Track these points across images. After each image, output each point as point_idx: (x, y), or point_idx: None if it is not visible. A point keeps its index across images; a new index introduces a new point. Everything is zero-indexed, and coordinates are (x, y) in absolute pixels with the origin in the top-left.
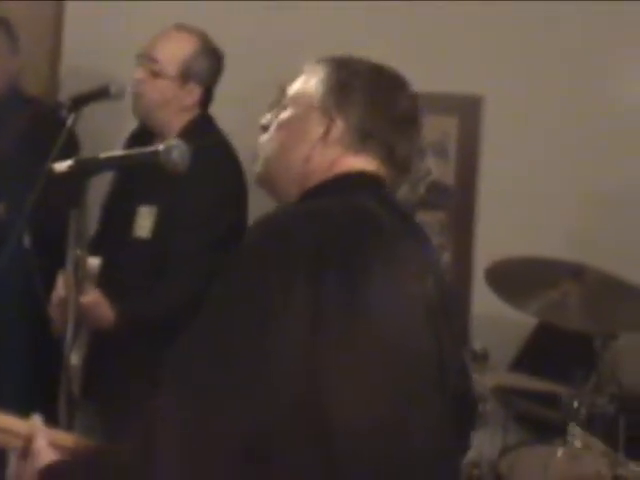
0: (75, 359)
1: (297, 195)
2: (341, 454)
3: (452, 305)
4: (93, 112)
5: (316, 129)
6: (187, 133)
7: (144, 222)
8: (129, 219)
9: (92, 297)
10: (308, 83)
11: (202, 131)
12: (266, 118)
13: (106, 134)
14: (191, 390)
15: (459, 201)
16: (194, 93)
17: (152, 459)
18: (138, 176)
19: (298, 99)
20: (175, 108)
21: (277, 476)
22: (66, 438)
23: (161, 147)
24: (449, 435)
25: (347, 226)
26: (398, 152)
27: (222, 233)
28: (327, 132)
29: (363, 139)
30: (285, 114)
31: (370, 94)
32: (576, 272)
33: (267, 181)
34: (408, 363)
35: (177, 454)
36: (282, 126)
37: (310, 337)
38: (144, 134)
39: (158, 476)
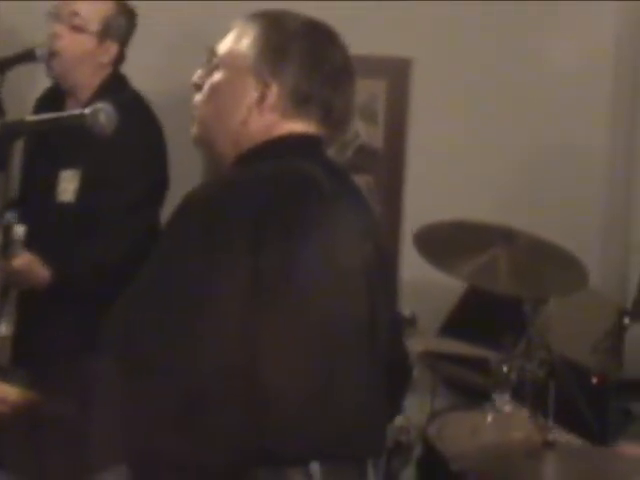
0: (4, 329)
1: (234, 157)
2: (272, 415)
3: (389, 270)
4: (18, 75)
5: (251, 94)
6: (102, 91)
7: (68, 186)
8: (51, 184)
9: (24, 259)
10: (239, 43)
11: (117, 89)
12: (198, 75)
13: (31, 97)
14: (130, 347)
15: (387, 165)
16: (111, 50)
17: (91, 414)
18: (57, 140)
19: (230, 61)
20: (93, 65)
21: (210, 434)
22: (6, 390)
23: (87, 110)
24: (378, 400)
25: (288, 191)
26: (335, 110)
27: (146, 190)
28: (262, 98)
29: (300, 102)
30: (218, 76)
31: (305, 54)
32: (505, 236)
33: (204, 143)
34: (342, 329)
35: (115, 409)
36: (216, 90)
37: (247, 301)
38: (55, 96)
39: (96, 431)
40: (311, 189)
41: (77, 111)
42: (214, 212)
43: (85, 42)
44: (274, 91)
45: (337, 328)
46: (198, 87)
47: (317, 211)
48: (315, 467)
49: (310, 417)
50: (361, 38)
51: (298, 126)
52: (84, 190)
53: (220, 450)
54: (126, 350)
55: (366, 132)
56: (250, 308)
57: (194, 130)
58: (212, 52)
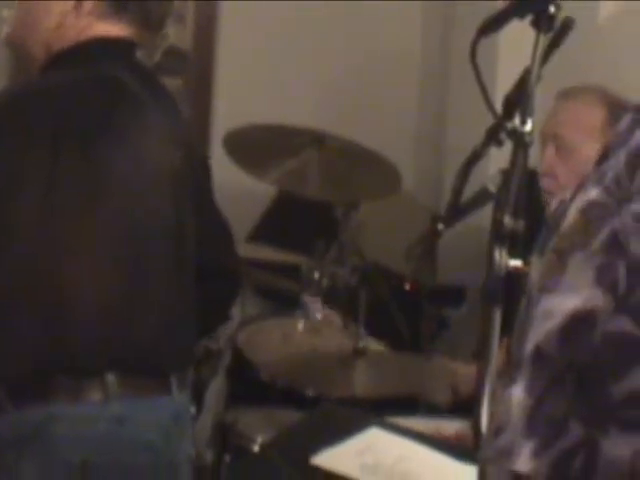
0: None
1: (45, 60)
2: (68, 322)
3: (201, 176)
4: None
5: (66, 2)
6: None
7: None
8: None
9: None
10: None
11: None
12: None
13: None
14: None
15: (197, 67)
16: None
17: None
18: None
19: None
20: None
21: (4, 339)
22: None
23: None
24: (185, 312)
25: (90, 97)
26: (154, 13)
27: None
28: (79, 5)
29: (117, 6)
30: None
31: None
32: (316, 140)
33: (15, 44)
34: (145, 236)
35: None
36: None
37: (45, 206)
38: None
39: None
40: (117, 94)
41: None
42: (11, 118)
43: None
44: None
45: (140, 235)
46: None
47: (121, 117)
48: (111, 378)
49: (107, 327)
50: None
51: (113, 29)
52: None
53: (12, 357)
54: None
55: (175, 34)
56: (46, 214)
57: (6, 29)
58: None
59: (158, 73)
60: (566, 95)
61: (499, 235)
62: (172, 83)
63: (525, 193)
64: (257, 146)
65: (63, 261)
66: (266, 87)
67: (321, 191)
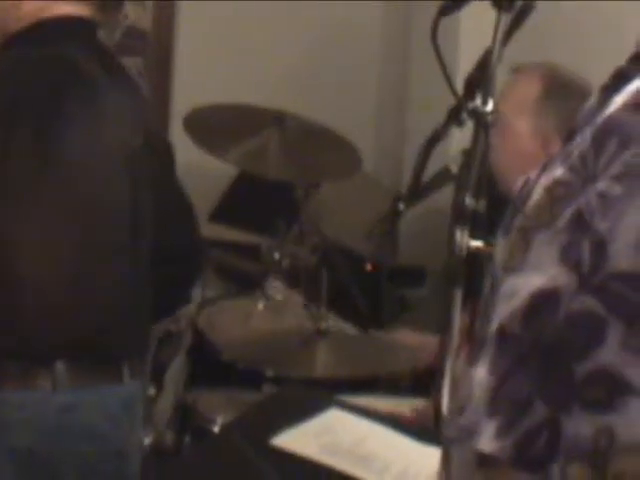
0: None
1: (3, 39)
2: (28, 307)
3: (162, 159)
4: None
5: None
6: None
7: None
8: None
9: None
10: None
11: None
12: None
13: None
14: None
15: (156, 47)
16: None
17: None
18: None
19: None
20: None
21: None
22: None
23: None
24: (140, 298)
25: (44, 78)
26: None
27: None
28: None
29: None
30: None
31: None
32: (276, 119)
33: None
34: (101, 216)
35: None
36: None
37: None
38: None
39: None
40: (73, 75)
41: None
42: None
43: None
44: None
45: (91, 217)
46: None
47: (78, 97)
48: (60, 367)
49: (58, 312)
50: None
51: (73, 9)
52: None
53: None
54: None
55: (135, 14)
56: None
57: None
58: None
59: (118, 52)
60: (511, 71)
61: (460, 215)
62: (132, 63)
63: (486, 173)
64: (217, 126)
65: (12, 246)
66: (226, 67)
67: (281, 171)
